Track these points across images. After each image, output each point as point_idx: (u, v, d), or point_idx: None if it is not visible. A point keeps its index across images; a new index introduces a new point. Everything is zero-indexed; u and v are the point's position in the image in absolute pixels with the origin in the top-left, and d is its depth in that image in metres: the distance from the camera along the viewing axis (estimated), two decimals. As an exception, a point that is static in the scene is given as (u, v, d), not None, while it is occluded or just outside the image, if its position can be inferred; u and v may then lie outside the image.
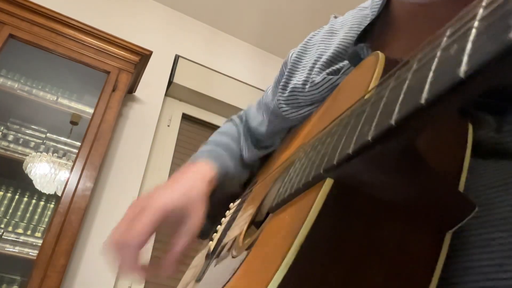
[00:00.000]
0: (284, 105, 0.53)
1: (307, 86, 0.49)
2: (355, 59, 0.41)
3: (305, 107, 0.50)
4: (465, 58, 0.14)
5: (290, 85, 0.52)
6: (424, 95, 0.16)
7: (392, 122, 0.17)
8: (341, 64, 0.46)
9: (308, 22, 2.41)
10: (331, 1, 2.29)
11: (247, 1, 2.42)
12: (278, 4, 2.41)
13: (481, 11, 0.15)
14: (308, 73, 0.50)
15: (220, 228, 0.57)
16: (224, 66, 2.48)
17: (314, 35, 0.57)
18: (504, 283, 0.21)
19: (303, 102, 0.50)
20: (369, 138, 0.19)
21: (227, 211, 0.60)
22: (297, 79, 0.52)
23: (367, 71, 0.30)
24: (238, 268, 0.31)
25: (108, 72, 1.83)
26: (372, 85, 0.27)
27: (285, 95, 0.53)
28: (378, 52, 0.31)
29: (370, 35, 0.45)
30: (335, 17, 0.56)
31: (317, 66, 0.49)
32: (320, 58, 0.50)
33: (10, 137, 1.83)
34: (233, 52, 2.60)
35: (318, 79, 0.47)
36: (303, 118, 0.51)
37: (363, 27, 0.45)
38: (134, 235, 0.43)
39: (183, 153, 2.23)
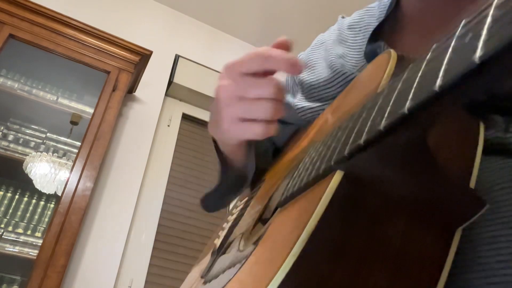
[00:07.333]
0: (297, 101, 0.53)
1: (321, 82, 0.49)
2: (372, 57, 0.41)
3: (317, 101, 0.50)
4: (480, 44, 0.14)
5: (302, 81, 0.52)
6: (439, 82, 0.15)
7: (405, 110, 0.17)
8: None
9: (308, 22, 2.42)
10: (331, 1, 2.30)
11: (247, 1, 2.42)
12: (278, 4, 2.41)
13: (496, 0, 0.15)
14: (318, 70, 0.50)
15: (226, 225, 0.57)
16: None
17: (322, 35, 0.57)
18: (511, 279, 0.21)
19: (317, 97, 0.50)
20: (381, 127, 0.19)
21: (234, 209, 0.60)
22: (307, 76, 0.51)
23: (379, 67, 0.31)
24: (244, 261, 0.31)
25: (108, 72, 1.83)
26: (384, 80, 0.27)
27: (297, 88, 0.53)
28: (390, 49, 0.31)
29: (382, 33, 0.45)
30: (343, 17, 0.56)
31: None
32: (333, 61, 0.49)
33: (10, 137, 1.83)
34: (233, 52, 2.59)
35: (330, 74, 0.47)
36: (314, 115, 0.51)
37: (372, 27, 0.45)
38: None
39: (183, 153, 2.22)
